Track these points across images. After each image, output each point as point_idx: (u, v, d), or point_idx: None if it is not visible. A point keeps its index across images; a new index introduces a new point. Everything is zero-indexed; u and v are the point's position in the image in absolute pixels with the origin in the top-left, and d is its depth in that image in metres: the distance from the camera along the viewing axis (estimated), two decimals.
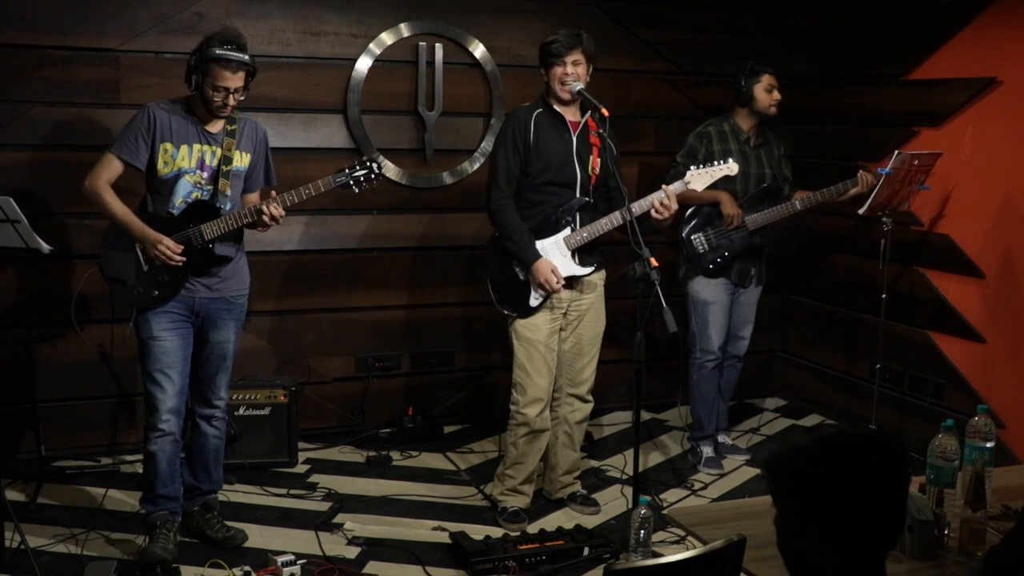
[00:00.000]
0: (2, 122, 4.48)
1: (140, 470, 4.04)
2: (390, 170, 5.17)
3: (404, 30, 5.10)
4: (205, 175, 3.74)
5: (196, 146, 3.71)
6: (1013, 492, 2.88)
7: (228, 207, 3.77)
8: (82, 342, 4.51)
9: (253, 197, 3.92)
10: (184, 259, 3.68)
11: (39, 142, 4.53)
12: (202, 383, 3.93)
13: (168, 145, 3.67)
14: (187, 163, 3.70)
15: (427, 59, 5.15)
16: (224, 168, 3.74)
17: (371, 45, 5.05)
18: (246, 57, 3.61)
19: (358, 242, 5.19)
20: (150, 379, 3.76)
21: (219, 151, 3.74)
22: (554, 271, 4.03)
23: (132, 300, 3.74)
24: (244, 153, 3.81)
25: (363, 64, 5.05)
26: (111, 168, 3.69)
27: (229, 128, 3.75)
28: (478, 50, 5.24)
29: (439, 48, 5.16)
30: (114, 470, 4.59)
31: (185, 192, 3.72)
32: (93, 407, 4.73)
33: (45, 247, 3.70)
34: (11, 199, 3.55)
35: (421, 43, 5.13)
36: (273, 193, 3.79)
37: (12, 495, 4.16)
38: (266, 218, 3.72)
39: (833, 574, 1.73)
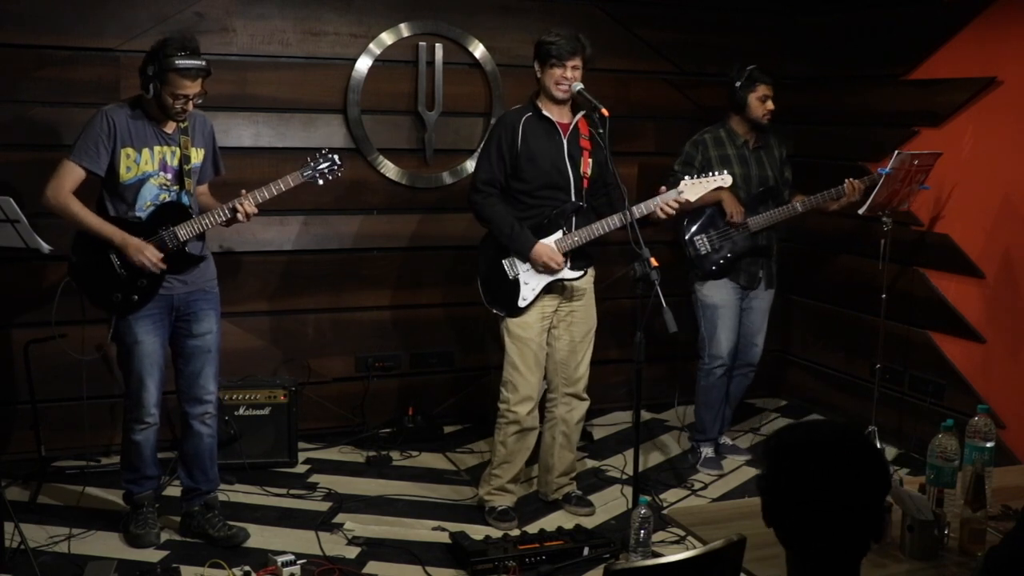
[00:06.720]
0: (2, 122, 4.48)
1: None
2: (390, 170, 5.17)
3: (404, 30, 5.10)
4: (169, 176, 3.76)
5: (156, 148, 3.73)
6: (1013, 492, 2.88)
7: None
8: (81, 342, 4.50)
9: (203, 189, 3.97)
10: (165, 266, 3.70)
11: (39, 142, 4.52)
12: (190, 380, 3.92)
13: (130, 150, 3.68)
14: (150, 166, 3.72)
15: (427, 59, 5.15)
16: (186, 167, 3.77)
17: (371, 45, 5.05)
18: (205, 63, 3.63)
19: (358, 242, 5.19)
20: (135, 380, 3.81)
21: (178, 151, 3.76)
22: (553, 250, 4.04)
23: (113, 308, 3.75)
24: (198, 149, 3.85)
25: (363, 64, 5.05)
26: (73, 177, 3.67)
27: (182, 126, 3.77)
28: (478, 50, 5.24)
29: (439, 48, 5.16)
30: (114, 470, 4.57)
31: (152, 195, 3.74)
32: (93, 407, 4.72)
33: (45, 247, 3.69)
34: (11, 199, 3.55)
35: (421, 43, 5.13)
36: (243, 191, 3.82)
37: (12, 495, 4.16)
38: (241, 216, 3.78)
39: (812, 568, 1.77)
